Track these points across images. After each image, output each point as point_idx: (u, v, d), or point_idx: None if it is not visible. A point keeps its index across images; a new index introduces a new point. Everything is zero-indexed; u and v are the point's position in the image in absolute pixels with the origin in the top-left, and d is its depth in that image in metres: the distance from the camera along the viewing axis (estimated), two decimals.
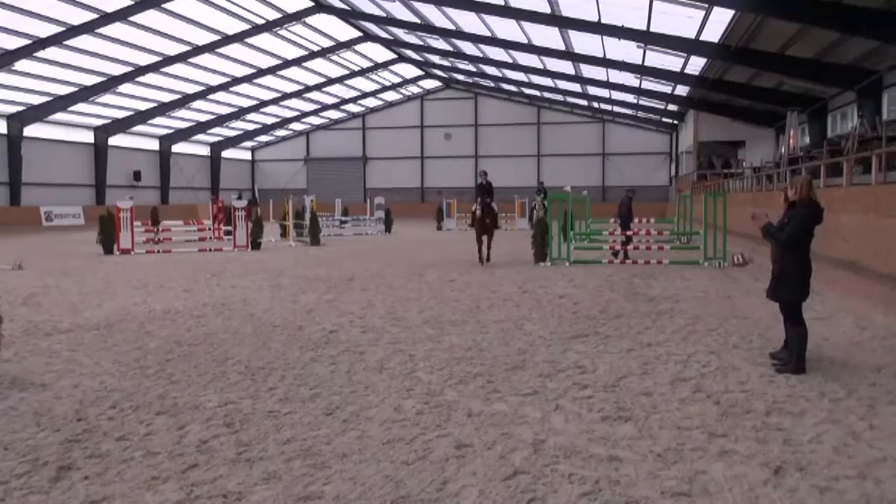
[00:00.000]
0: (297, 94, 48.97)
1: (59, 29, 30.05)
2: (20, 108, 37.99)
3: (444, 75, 52.62)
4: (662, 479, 4.18)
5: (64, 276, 15.53)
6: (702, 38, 24.36)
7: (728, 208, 18.05)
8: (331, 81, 47.76)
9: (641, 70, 31.80)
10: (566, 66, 36.58)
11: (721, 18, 21.75)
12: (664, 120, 49.70)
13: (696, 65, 29.20)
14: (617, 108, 48.91)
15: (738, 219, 19.24)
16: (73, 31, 30.23)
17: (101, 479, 4.29)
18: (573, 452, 4.63)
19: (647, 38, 25.36)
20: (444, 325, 9.49)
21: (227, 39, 35.65)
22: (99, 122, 43.86)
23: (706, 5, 20.60)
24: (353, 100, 54.56)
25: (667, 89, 37.02)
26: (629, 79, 35.81)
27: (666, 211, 45.17)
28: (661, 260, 17.80)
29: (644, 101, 43.58)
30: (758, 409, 5.54)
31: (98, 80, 37.19)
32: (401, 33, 38.83)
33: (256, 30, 35.33)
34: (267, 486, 4.15)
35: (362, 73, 47.76)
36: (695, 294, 12.20)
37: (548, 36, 29.81)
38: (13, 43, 30.48)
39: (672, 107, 42.76)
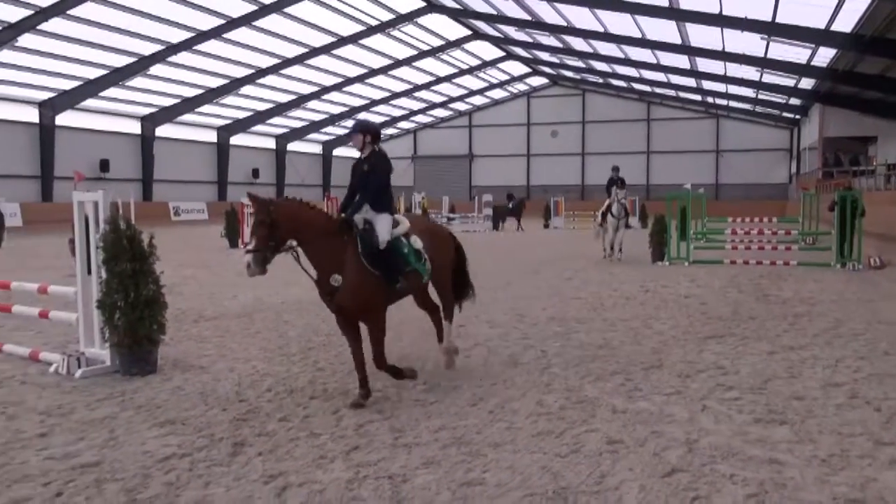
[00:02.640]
0: (406, 94, 49.91)
1: (190, 34, 31.91)
2: (153, 110, 40.63)
3: (551, 72, 52.20)
4: (832, 484, 4.04)
5: (198, 268, 16.52)
6: (833, 28, 23.06)
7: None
8: (439, 80, 48.39)
9: (763, 63, 30.44)
10: (681, 61, 35.51)
11: (856, 7, 20.54)
12: (784, 115, 47.33)
13: (825, 56, 27.67)
14: (733, 103, 47.00)
15: (874, 220, 18.11)
16: (202, 36, 32.05)
17: (273, 455, 4.58)
18: (730, 453, 4.54)
19: (771, 29, 24.25)
20: (569, 322, 9.47)
21: (342, 41, 36.80)
22: (221, 122, 46.27)
23: None
24: (461, 98, 55.04)
25: (790, 82, 35.25)
26: (749, 72, 34.33)
27: (785, 210, 43.03)
28: (788, 261, 17.00)
29: (763, 96, 41.66)
30: None
31: (222, 82, 39.25)
32: (510, 31, 38.82)
33: (370, 31, 36.27)
34: (428, 471, 4.30)
35: (470, 71, 48.10)
36: (831, 297, 11.60)
37: (663, 29, 29.03)
38: (150, 49, 32.64)
39: (794, 101, 40.69)
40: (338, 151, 59.67)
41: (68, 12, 27.45)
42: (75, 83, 34.84)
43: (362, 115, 53.33)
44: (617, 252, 17.76)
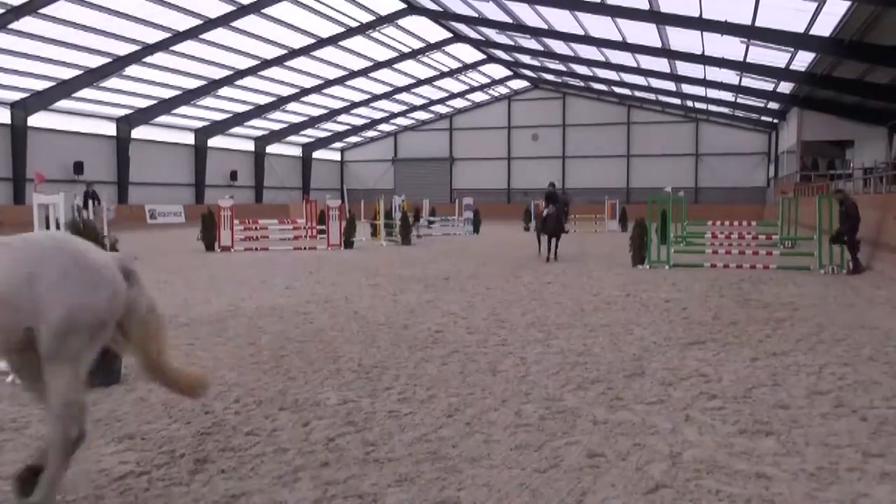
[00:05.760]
0: (386, 96, 49.61)
1: (167, 35, 31.40)
2: (129, 112, 39.98)
3: (532, 75, 52.18)
4: (821, 501, 3.87)
5: (173, 272, 16.18)
6: (812, 32, 23.15)
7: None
8: (420, 83, 48.14)
9: (743, 66, 30.53)
10: (661, 64, 35.55)
11: (835, 11, 20.58)
12: (763, 118, 47.65)
13: (804, 60, 27.80)
14: (712, 107, 47.22)
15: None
16: (179, 36, 31.53)
17: (236, 473, 4.33)
18: (715, 467, 4.37)
19: (751, 32, 24.30)
20: (549, 327, 9.28)
21: (322, 42, 36.43)
22: (199, 124, 45.64)
23: None
24: (441, 101, 54.84)
25: (769, 86, 35.44)
26: (728, 76, 34.46)
27: (763, 213, 43.30)
28: (768, 264, 16.97)
29: (742, 100, 41.88)
30: None
31: (200, 83, 38.69)
32: (491, 33, 38.71)
33: (350, 32, 35.94)
34: (401, 489, 4.08)
35: (451, 74, 47.90)
36: (812, 301, 11.53)
37: (644, 33, 29.02)
38: (125, 49, 32.05)
39: (773, 105, 40.93)
40: (317, 154, 59.22)
41: (40, 11, 26.84)
42: (48, 84, 34.13)
43: (342, 118, 53.06)
44: None
